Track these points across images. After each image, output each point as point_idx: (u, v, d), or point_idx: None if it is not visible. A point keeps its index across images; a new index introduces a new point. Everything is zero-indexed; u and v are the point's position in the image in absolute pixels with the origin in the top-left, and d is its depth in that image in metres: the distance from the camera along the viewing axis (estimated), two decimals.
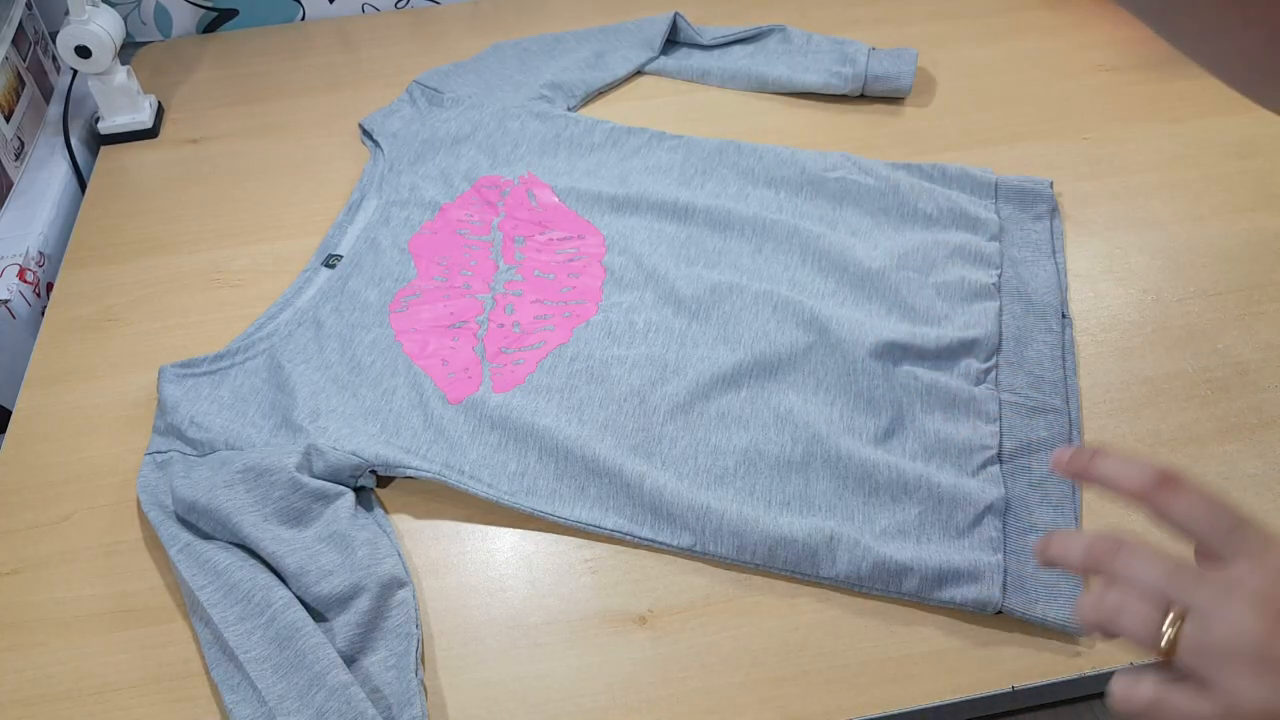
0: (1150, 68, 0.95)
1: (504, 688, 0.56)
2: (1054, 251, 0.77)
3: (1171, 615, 0.37)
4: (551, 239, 0.78)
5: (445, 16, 1.06)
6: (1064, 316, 0.73)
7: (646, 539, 0.61)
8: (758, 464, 0.64)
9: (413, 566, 0.61)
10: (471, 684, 0.56)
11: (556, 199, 0.81)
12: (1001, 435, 0.65)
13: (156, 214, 0.85)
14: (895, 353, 0.68)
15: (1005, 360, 0.70)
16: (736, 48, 0.97)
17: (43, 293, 0.81)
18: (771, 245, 0.77)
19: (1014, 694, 0.55)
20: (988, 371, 0.69)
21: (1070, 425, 0.66)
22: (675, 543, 0.61)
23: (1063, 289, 0.75)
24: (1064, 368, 0.69)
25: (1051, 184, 0.81)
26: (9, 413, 0.71)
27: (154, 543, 0.63)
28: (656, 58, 0.96)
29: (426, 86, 0.93)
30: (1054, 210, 0.80)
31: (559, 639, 0.58)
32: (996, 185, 0.81)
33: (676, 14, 0.97)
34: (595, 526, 0.62)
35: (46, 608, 0.60)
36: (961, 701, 0.55)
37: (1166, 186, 0.83)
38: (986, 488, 0.62)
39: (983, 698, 0.55)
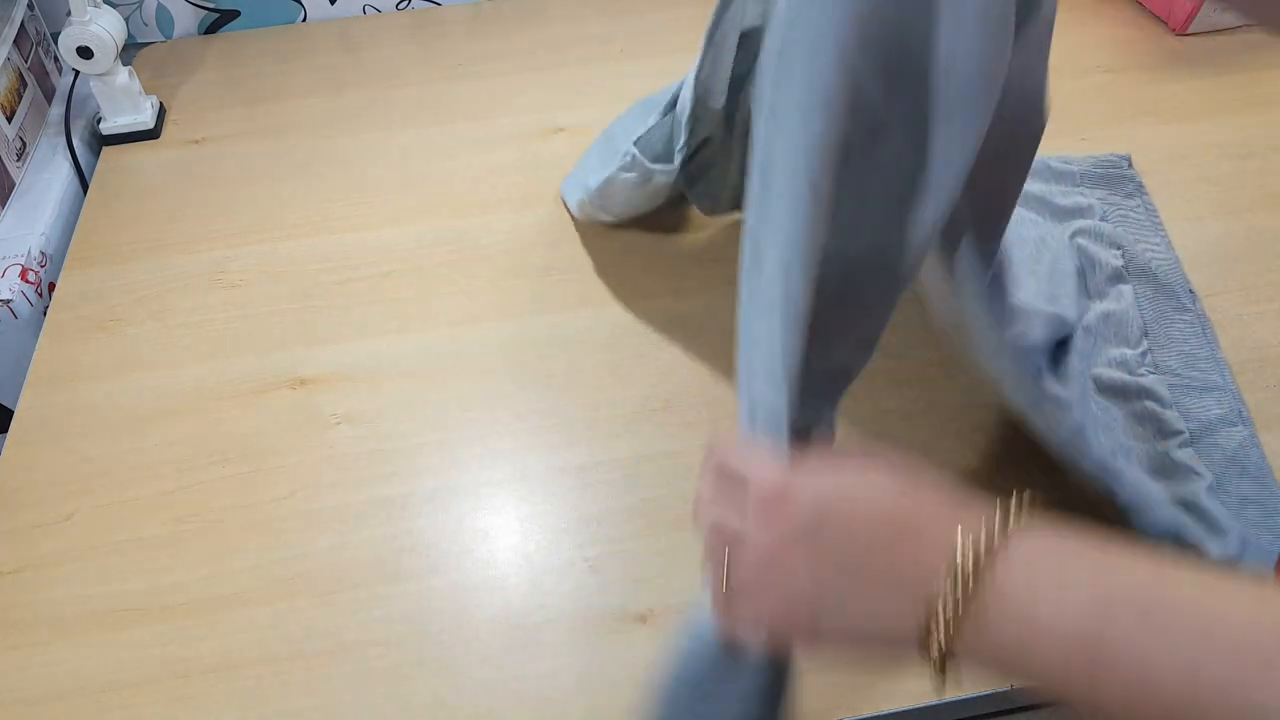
0: (1150, 68, 0.95)
1: (504, 687, 0.56)
2: (1156, 226, 0.77)
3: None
4: None
5: (446, 18, 1.07)
6: (1190, 292, 0.73)
7: None
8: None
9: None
10: (472, 684, 0.56)
11: None
12: (1183, 419, 0.65)
13: (158, 214, 0.85)
14: (1054, 349, 0.69)
15: (1154, 344, 0.70)
16: None
17: (45, 293, 0.81)
18: None
19: (1013, 693, 0.56)
20: (1144, 355, 0.69)
21: (1236, 399, 0.66)
22: None
23: (1180, 264, 0.75)
24: (1209, 343, 0.70)
25: (1129, 159, 0.81)
26: (11, 412, 0.72)
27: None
28: None
29: None
30: (1140, 185, 0.80)
31: (559, 639, 0.58)
32: (1078, 174, 0.81)
33: None
34: None
35: (47, 607, 0.61)
36: (960, 700, 0.55)
37: (1165, 187, 0.83)
38: (1193, 472, 0.62)
39: (981, 696, 0.55)
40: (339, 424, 0.69)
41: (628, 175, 0.73)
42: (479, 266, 0.80)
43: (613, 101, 0.87)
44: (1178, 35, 0.99)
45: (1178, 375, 0.68)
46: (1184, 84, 0.92)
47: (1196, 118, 0.89)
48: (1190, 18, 0.97)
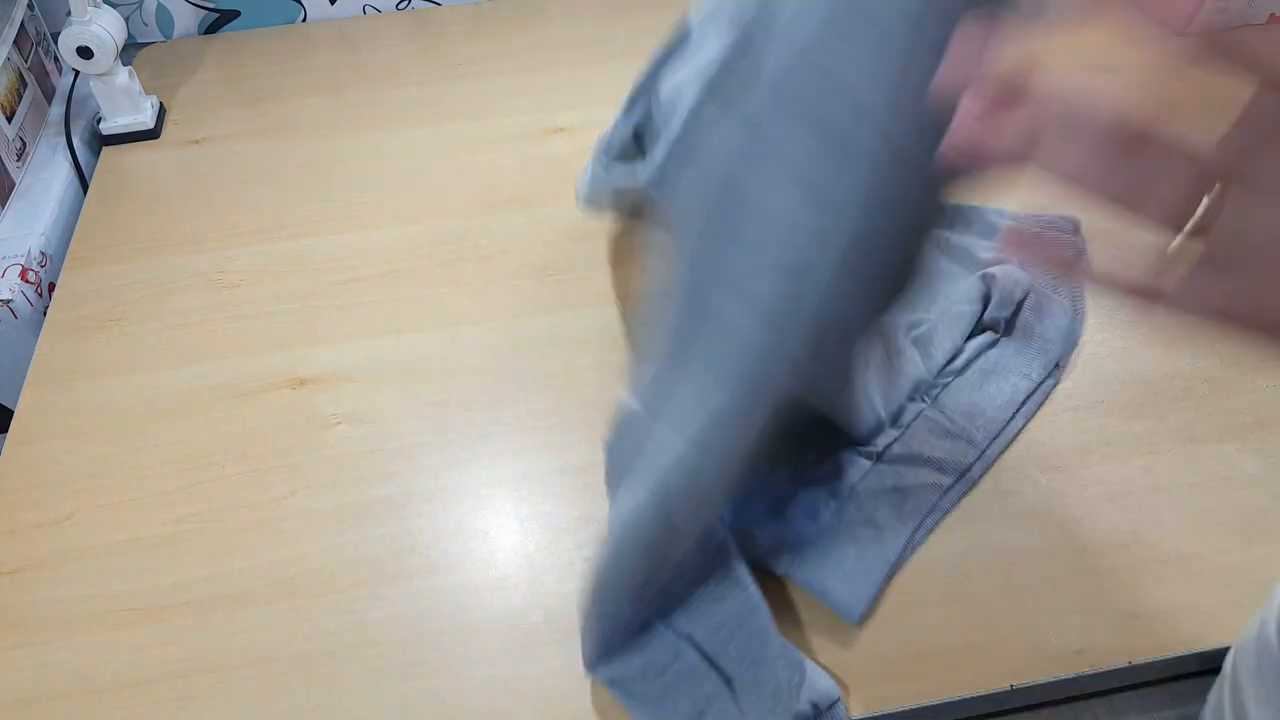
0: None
1: (504, 687, 0.56)
2: (1073, 297, 0.71)
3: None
4: None
5: (446, 18, 1.07)
6: (1048, 379, 0.68)
7: None
8: None
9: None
10: (471, 684, 0.56)
11: None
12: (896, 441, 0.63)
13: (158, 214, 0.85)
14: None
15: (959, 385, 0.67)
16: None
17: (45, 293, 0.81)
18: None
19: (1012, 693, 0.56)
20: (931, 388, 0.66)
21: (981, 463, 0.63)
22: None
23: (1073, 339, 0.70)
24: (1014, 415, 0.65)
25: (1076, 225, 0.75)
26: (10, 412, 0.72)
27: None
28: None
29: None
30: (1079, 253, 0.73)
31: (559, 639, 0.58)
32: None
33: None
34: None
35: (47, 607, 0.61)
36: (960, 701, 0.55)
37: None
38: (849, 472, 0.61)
39: (981, 697, 0.55)
40: (339, 424, 0.69)
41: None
42: (479, 266, 0.80)
43: (613, 102, 0.87)
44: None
45: (945, 415, 0.64)
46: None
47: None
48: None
